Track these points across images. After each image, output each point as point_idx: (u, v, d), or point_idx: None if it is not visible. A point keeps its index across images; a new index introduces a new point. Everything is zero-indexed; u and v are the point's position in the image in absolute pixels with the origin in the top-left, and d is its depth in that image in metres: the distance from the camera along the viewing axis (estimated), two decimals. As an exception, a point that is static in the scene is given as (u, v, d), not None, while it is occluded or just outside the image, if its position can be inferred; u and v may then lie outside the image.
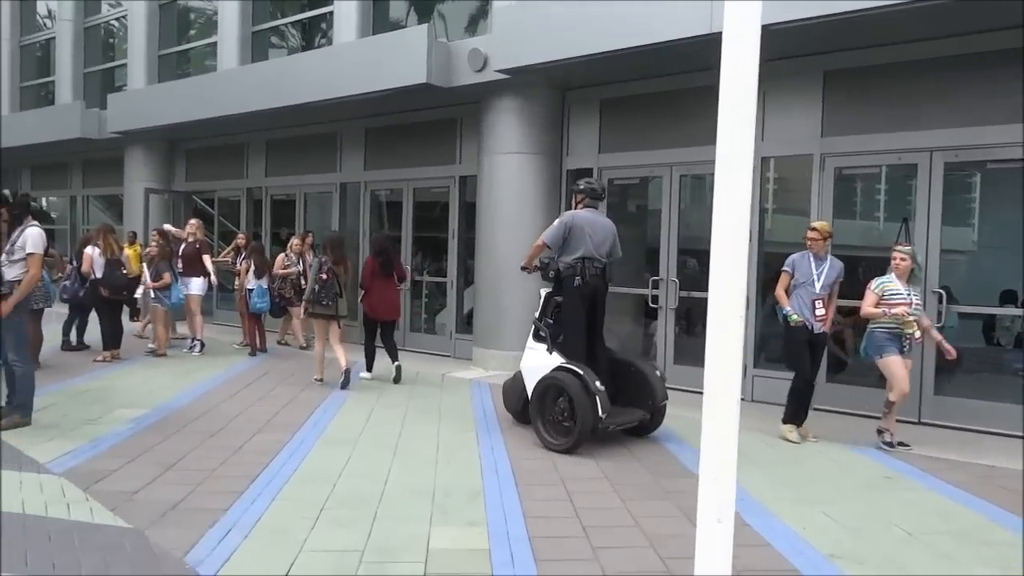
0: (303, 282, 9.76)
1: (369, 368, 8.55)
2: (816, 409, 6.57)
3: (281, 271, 10.19)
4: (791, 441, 6.14)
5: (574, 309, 6.09)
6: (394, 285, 8.47)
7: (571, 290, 6.06)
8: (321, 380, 8.14)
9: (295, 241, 10.62)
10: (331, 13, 11.43)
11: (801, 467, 5.53)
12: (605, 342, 6.39)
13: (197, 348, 9.96)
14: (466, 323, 10.37)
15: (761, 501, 4.66)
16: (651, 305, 8.47)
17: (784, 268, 6.37)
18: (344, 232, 10.47)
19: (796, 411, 6.26)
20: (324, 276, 7.99)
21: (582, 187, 6.35)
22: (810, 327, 6.18)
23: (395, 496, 4.63)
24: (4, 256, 6.04)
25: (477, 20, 10.26)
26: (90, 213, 16.82)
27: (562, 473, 5.20)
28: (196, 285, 10.10)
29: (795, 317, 6.15)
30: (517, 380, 6.46)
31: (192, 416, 6.55)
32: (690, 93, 8.09)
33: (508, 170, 9.09)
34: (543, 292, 6.44)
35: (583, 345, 6.09)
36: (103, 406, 6.84)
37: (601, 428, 5.72)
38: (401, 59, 9.13)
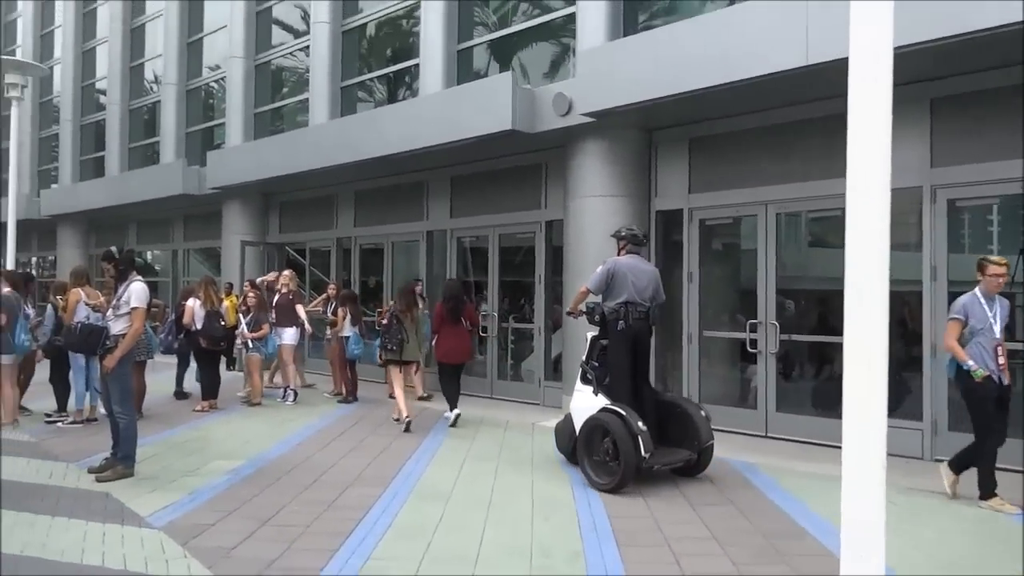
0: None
1: (451, 408, 8.70)
2: (936, 460, 6.05)
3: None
4: (1008, 512, 5.35)
5: (619, 352, 6.31)
6: (464, 330, 8.73)
7: (616, 333, 6.29)
8: (398, 420, 8.38)
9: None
10: (416, 66, 11.69)
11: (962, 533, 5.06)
12: (651, 383, 6.65)
13: (291, 398, 10.10)
14: (554, 370, 10.18)
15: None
16: (749, 350, 8.08)
17: (954, 315, 5.60)
18: (411, 281, 10.57)
19: (989, 478, 5.47)
20: (385, 322, 8.60)
21: (624, 234, 6.62)
22: (997, 379, 5.48)
23: (492, 555, 4.45)
24: (111, 310, 6.25)
25: (559, 64, 10.29)
26: (190, 265, 17.57)
27: (665, 532, 4.90)
28: (289, 335, 10.29)
29: (981, 372, 5.43)
30: (568, 421, 6.61)
31: (286, 468, 6.56)
32: (786, 128, 7.81)
33: (595, 213, 8.94)
34: (589, 336, 6.57)
35: (628, 386, 6.28)
36: (201, 457, 6.94)
37: (645, 468, 5.86)
38: (486, 107, 9.18)
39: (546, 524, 5.08)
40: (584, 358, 6.54)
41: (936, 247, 6.91)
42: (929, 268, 6.95)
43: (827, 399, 7.69)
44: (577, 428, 6.34)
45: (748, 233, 8.47)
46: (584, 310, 6.51)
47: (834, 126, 7.45)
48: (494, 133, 9.17)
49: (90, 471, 6.21)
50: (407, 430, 8.09)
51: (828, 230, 8.58)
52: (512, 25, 10.75)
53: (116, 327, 6.18)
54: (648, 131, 8.95)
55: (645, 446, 5.75)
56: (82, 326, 6.58)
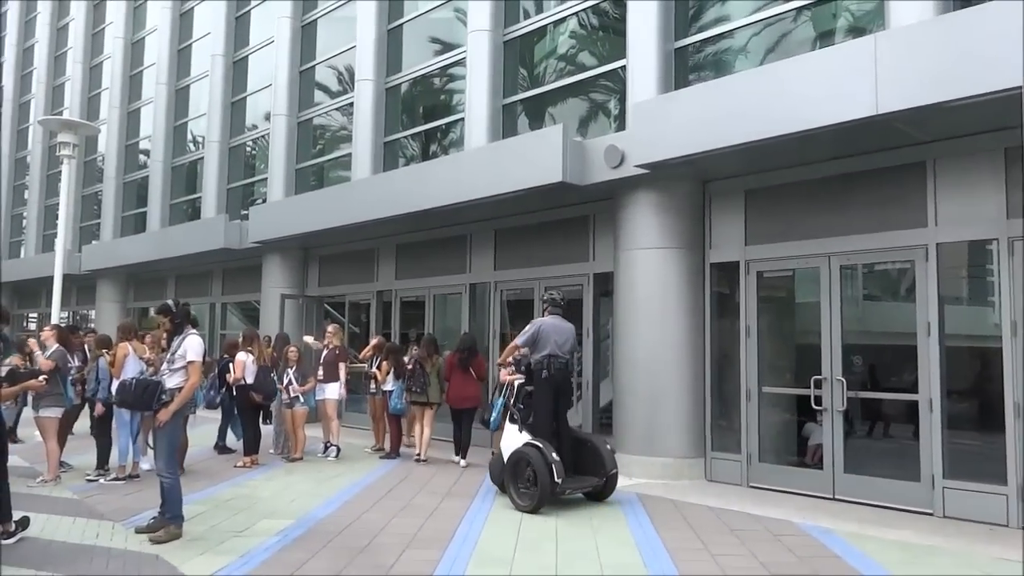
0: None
1: (456, 453, 9.47)
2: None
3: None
4: None
5: (543, 396, 7.37)
6: (472, 378, 9.43)
7: (540, 381, 7.38)
8: (419, 458, 9.53)
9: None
10: (460, 120, 11.75)
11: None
12: (568, 423, 7.67)
13: (333, 453, 9.88)
14: (600, 423, 9.88)
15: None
16: (814, 407, 7.75)
17: None
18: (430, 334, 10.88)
19: None
20: (410, 367, 9.56)
21: (546, 298, 7.86)
22: None
23: (569, 630, 4.15)
24: (165, 364, 6.12)
25: (606, 117, 10.26)
26: (227, 319, 17.59)
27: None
28: (332, 390, 10.12)
29: None
30: (498, 458, 7.60)
31: (336, 529, 6.30)
32: (850, 178, 7.63)
33: (647, 266, 8.77)
34: (516, 383, 7.62)
35: (549, 425, 7.31)
36: (248, 516, 6.71)
37: (559, 492, 6.88)
38: (536, 159, 9.12)
39: (620, 594, 4.77)
40: (512, 401, 7.59)
41: (1015, 299, 6.59)
42: (1009, 323, 6.62)
43: (900, 460, 7.31)
44: (506, 460, 7.32)
45: (809, 286, 8.21)
46: (512, 361, 7.66)
47: (901, 176, 7.32)
48: (543, 185, 9.08)
49: (138, 531, 6.00)
50: (420, 460, 9.47)
51: (895, 283, 8.30)
52: (558, 80, 10.78)
53: (171, 381, 6.04)
54: (702, 182, 8.81)
55: (558, 473, 6.82)
56: (136, 381, 6.34)
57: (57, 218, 13.01)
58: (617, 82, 9.89)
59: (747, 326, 8.39)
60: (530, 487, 6.96)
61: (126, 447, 8.32)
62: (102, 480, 8.18)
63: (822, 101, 6.68)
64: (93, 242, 21.19)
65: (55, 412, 8.01)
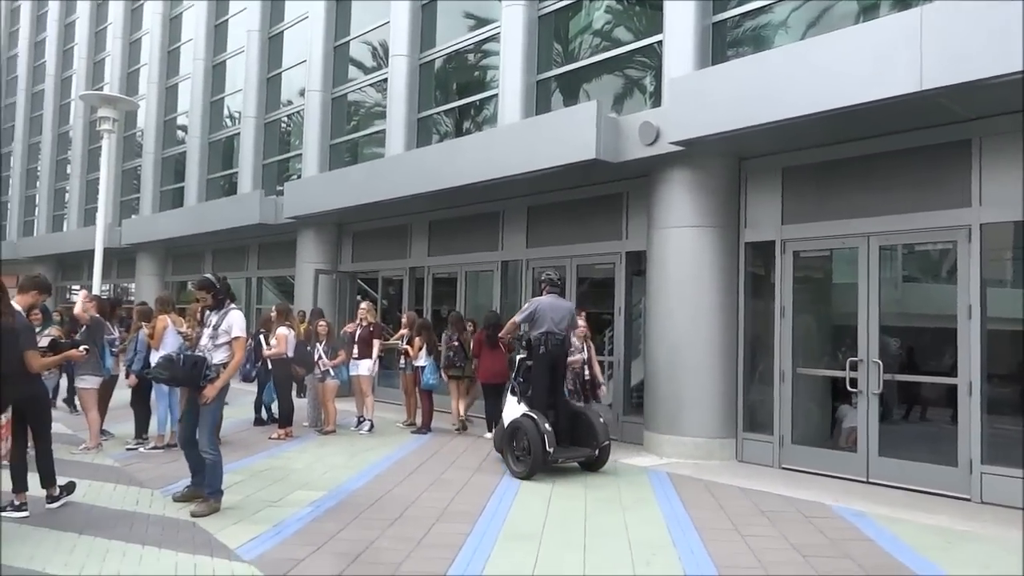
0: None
1: (489, 430, 9.63)
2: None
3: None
4: None
5: (540, 370, 7.80)
6: (501, 353, 9.65)
7: (538, 356, 7.79)
8: (458, 429, 10.17)
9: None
10: (494, 96, 11.68)
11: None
12: (565, 396, 8.09)
13: (366, 427, 10.01)
14: (632, 403, 9.86)
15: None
16: (849, 389, 7.64)
17: None
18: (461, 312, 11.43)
19: None
20: (456, 343, 10.08)
21: (543, 278, 8.23)
22: None
23: (597, 606, 4.17)
24: (207, 340, 6.01)
25: (641, 93, 10.12)
26: (263, 293, 17.83)
27: (781, 586, 4.54)
28: (365, 366, 10.22)
29: None
30: (502, 427, 8.03)
31: (368, 501, 6.39)
32: (891, 157, 7.45)
33: (681, 244, 8.67)
34: (517, 359, 8.16)
35: (545, 397, 7.75)
36: (282, 487, 6.83)
37: (551, 460, 7.38)
38: (569, 136, 9.05)
39: (648, 569, 4.78)
40: (512, 375, 8.14)
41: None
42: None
43: (936, 444, 7.19)
44: (505, 429, 7.81)
45: (846, 266, 8.06)
46: (514, 338, 8.35)
47: (945, 155, 7.12)
48: (577, 163, 9.01)
49: (176, 499, 6.15)
50: (462, 429, 10.13)
51: (935, 264, 8.12)
52: (592, 55, 10.64)
53: (216, 357, 5.95)
54: (738, 160, 8.66)
55: (549, 443, 7.25)
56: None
57: (98, 193, 13.20)
58: (653, 58, 9.73)
59: (782, 306, 8.28)
60: (524, 455, 7.44)
61: (164, 417, 8.52)
62: (141, 448, 8.39)
63: (864, 77, 6.50)
64: (133, 216, 21.58)
65: (92, 382, 8.22)
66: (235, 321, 6.00)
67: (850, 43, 6.72)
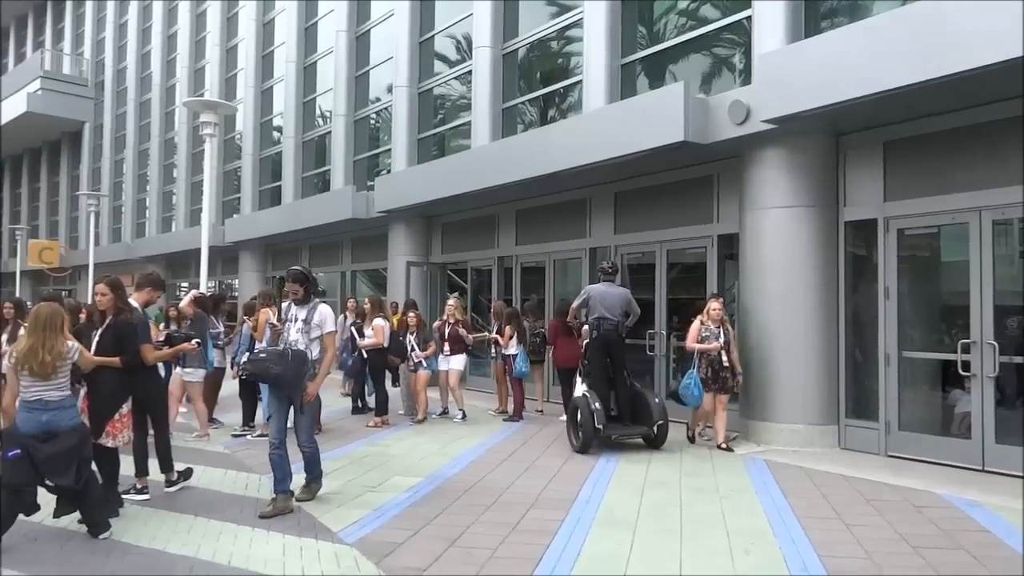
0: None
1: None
2: None
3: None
4: None
5: (595, 353, 8.45)
6: (575, 341, 9.74)
7: (592, 340, 8.51)
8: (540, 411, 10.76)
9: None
10: (579, 83, 11.60)
11: None
12: (626, 377, 8.49)
13: (459, 416, 10.17)
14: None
15: None
16: (961, 373, 7.23)
17: None
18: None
19: None
20: (540, 331, 10.63)
21: (598, 267, 9.07)
22: None
23: (695, 594, 4.12)
24: (300, 335, 5.79)
25: (729, 72, 9.83)
26: (357, 286, 18.34)
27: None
28: (457, 361, 10.39)
29: None
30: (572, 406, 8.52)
31: (463, 487, 6.50)
32: (1005, 124, 6.96)
33: (776, 226, 8.40)
34: (584, 342, 8.81)
35: (602, 378, 8.36)
36: (381, 473, 7.04)
37: (603, 437, 8.00)
38: (656, 119, 8.89)
39: (747, 560, 4.67)
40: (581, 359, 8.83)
41: None
42: None
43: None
44: None
45: (956, 243, 7.62)
46: (581, 322, 9.01)
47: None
48: (664, 146, 8.85)
49: (261, 516, 5.61)
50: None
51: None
52: (678, 35, 10.41)
53: (312, 352, 5.84)
54: (835, 135, 8.31)
55: (598, 420, 7.84)
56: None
57: (202, 194, 13.87)
58: (741, 34, 9.44)
59: (886, 287, 7.91)
60: (580, 430, 7.96)
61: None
62: (248, 436, 8.80)
63: (988, 36, 6.00)
64: (234, 215, 22.54)
65: (197, 375, 8.62)
66: (327, 316, 5.90)
67: (965, 4, 6.26)
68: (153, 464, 6.19)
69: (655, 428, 8.02)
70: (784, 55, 7.94)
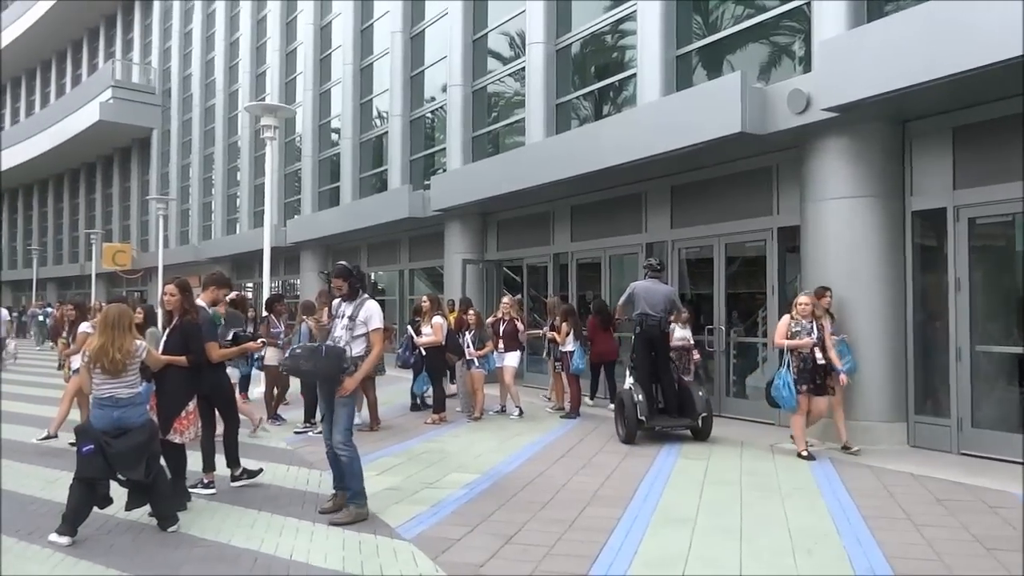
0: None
1: (591, 397, 10.95)
2: None
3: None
4: None
5: (639, 347, 8.73)
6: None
7: (636, 336, 8.77)
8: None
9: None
10: (632, 76, 11.48)
11: None
12: (671, 372, 8.83)
13: (516, 413, 10.19)
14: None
15: None
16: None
17: None
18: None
19: None
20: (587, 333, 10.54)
21: (644, 264, 9.34)
22: None
23: (756, 594, 4.03)
24: (344, 331, 5.62)
25: (786, 61, 9.58)
26: (415, 285, 18.55)
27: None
28: (512, 358, 10.40)
29: None
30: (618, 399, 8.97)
31: (520, 484, 6.51)
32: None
33: (838, 217, 8.17)
34: (633, 337, 8.95)
35: (647, 371, 8.63)
36: (438, 469, 7.10)
37: (647, 428, 8.35)
38: (712, 110, 8.74)
39: (810, 560, 4.55)
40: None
41: None
42: None
43: None
44: None
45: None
46: (628, 318, 9.09)
47: None
48: (721, 137, 8.68)
49: (321, 512, 5.64)
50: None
51: None
52: (734, 24, 10.19)
53: (354, 349, 5.53)
54: (900, 122, 8.03)
55: (640, 411, 8.17)
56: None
57: (264, 196, 14.21)
58: (801, 21, 9.19)
59: (957, 279, 7.60)
60: (625, 422, 8.40)
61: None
62: (310, 433, 8.97)
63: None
64: (295, 216, 23.05)
65: (233, 375, 8.19)
66: (373, 312, 5.58)
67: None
68: (219, 460, 6.37)
69: (699, 420, 8.31)
70: (846, 40, 7.70)
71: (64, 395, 8.67)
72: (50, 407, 8.57)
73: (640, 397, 8.25)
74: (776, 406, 7.78)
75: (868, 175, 8.04)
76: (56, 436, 8.33)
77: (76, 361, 8.51)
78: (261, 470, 6.68)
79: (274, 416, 9.78)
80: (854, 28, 7.94)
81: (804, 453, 7.39)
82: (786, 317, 7.60)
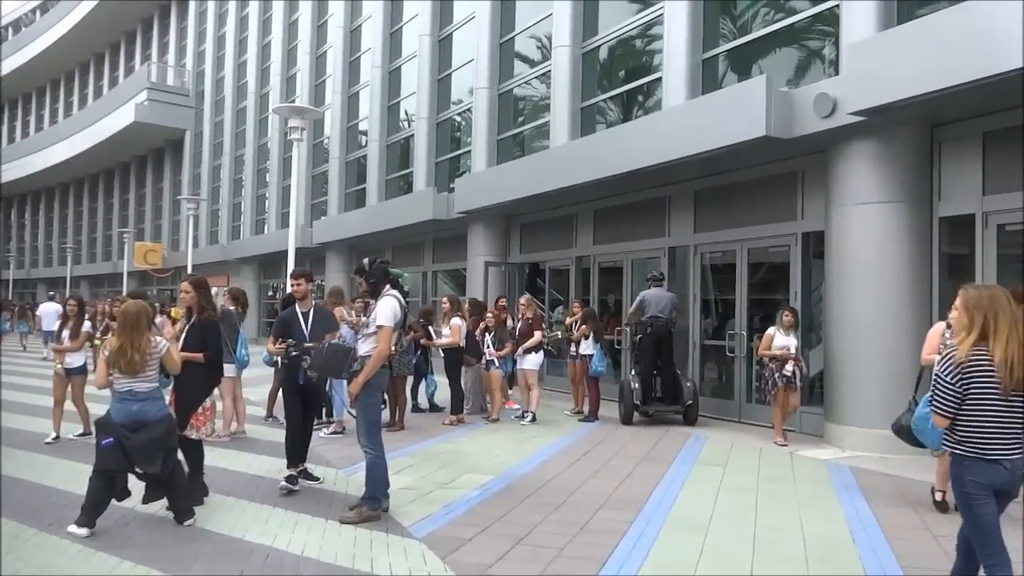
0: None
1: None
2: None
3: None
4: None
5: (646, 345, 9.99)
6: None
7: (645, 335, 10.01)
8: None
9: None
10: (658, 80, 11.42)
11: None
12: (672, 366, 10.07)
13: (528, 419, 9.97)
14: (811, 391, 9.27)
15: None
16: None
17: None
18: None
19: None
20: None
21: (648, 276, 10.50)
22: None
23: (766, 602, 3.97)
24: (362, 329, 5.64)
25: (813, 65, 9.47)
26: (438, 286, 18.62)
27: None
28: (531, 360, 10.34)
29: None
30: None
31: (534, 486, 6.49)
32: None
33: (864, 223, 8.04)
34: (637, 339, 10.33)
35: (650, 364, 9.97)
36: (453, 470, 7.10)
37: (642, 412, 9.83)
38: (737, 114, 8.67)
39: (824, 568, 4.48)
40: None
41: None
42: None
43: None
44: None
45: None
46: (635, 323, 10.30)
47: None
48: (746, 141, 8.60)
49: (344, 520, 5.39)
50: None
51: None
52: (761, 28, 10.10)
53: (363, 348, 5.41)
54: (928, 127, 7.89)
55: (636, 397, 9.72)
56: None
57: (291, 197, 14.37)
58: (829, 24, 9.08)
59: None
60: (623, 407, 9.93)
61: (341, 403, 9.03)
62: (321, 433, 8.90)
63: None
64: (322, 217, 23.27)
65: (228, 371, 8.03)
66: (380, 308, 5.37)
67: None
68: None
69: (684, 406, 9.71)
70: (875, 43, 7.60)
71: (75, 398, 8.53)
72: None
73: (637, 385, 9.75)
74: (918, 444, 5.04)
75: (895, 180, 7.91)
76: (90, 432, 8.19)
77: (70, 358, 8.51)
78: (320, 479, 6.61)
79: (269, 416, 9.78)
80: (884, 30, 7.82)
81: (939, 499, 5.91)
82: (941, 325, 5.96)
